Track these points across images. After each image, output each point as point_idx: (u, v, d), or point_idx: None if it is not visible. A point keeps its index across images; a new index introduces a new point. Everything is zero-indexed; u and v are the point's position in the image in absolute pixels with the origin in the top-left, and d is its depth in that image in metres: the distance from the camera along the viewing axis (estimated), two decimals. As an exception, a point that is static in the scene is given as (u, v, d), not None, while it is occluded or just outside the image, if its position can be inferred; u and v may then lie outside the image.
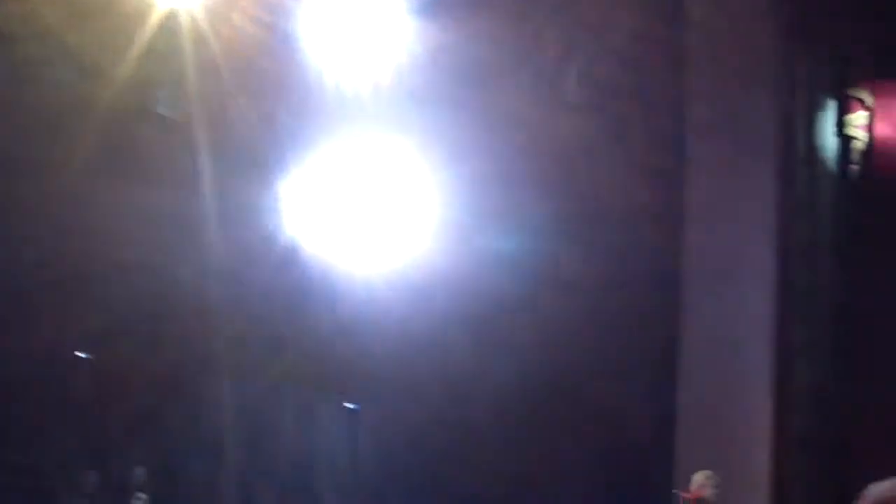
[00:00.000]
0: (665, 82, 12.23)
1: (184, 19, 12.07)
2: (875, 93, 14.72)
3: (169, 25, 12.14)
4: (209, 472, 13.67)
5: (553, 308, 11.22)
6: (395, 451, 12.35)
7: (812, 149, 13.65)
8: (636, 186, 11.60)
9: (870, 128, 14.71)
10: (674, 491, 11.56)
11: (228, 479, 13.65)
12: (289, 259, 12.47)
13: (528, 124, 11.14)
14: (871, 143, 14.74)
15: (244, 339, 13.18)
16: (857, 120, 14.54)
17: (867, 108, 14.67)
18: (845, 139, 14.31)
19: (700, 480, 11.34)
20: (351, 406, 13.22)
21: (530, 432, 11.16)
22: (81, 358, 13.01)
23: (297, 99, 11.96)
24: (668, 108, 12.25)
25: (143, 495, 11.95)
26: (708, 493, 11.31)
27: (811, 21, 13.28)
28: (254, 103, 12.45)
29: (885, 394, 14.35)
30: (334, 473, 13.17)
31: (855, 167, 14.50)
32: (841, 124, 14.21)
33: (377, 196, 12.80)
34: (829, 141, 13.95)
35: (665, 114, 12.14)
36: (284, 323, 12.47)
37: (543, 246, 11.06)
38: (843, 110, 14.25)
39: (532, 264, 11.06)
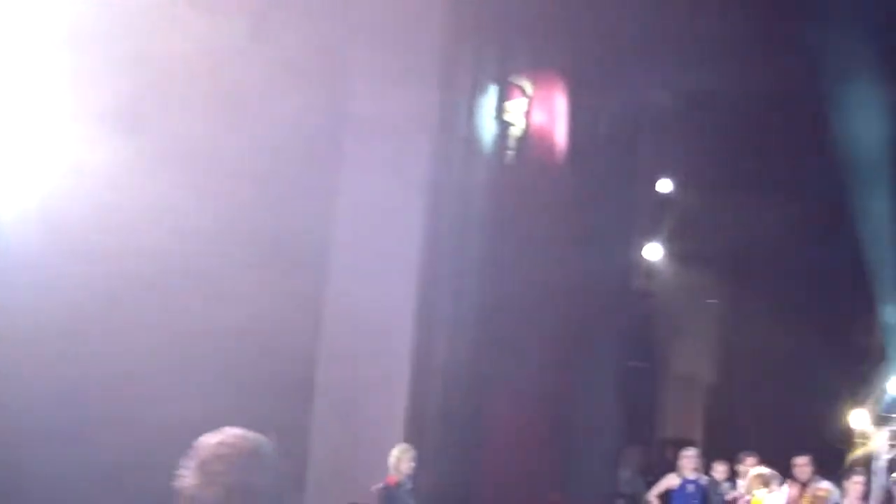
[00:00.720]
0: (328, 60, 12.12)
1: None
2: (534, 82, 15.25)
3: None
4: None
5: (188, 294, 10.89)
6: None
7: (471, 132, 13.93)
8: (287, 165, 11.46)
9: (527, 115, 15.24)
10: (372, 488, 11.52)
11: None
12: None
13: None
14: (528, 130, 15.28)
15: None
16: (516, 107, 15.00)
17: (526, 96, 15.18)
18: (504, 125, 14.73)
19: (396, 454, 11.33)
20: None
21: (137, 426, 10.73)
22: None
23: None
24: (330, 82, 12.16)
25: None
26: (405, 466, 11.30)
27: (477, 9, 13.55)
28: None
29: (521, 371, 14.98)
30: None
31: (511, 152, 14.96)
32: (501, 110, 14.60)
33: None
34: (488, 125, 14.28)
35: (327, 85, 12.04)
36: None
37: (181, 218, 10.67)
38: (504, 97, 14.65)
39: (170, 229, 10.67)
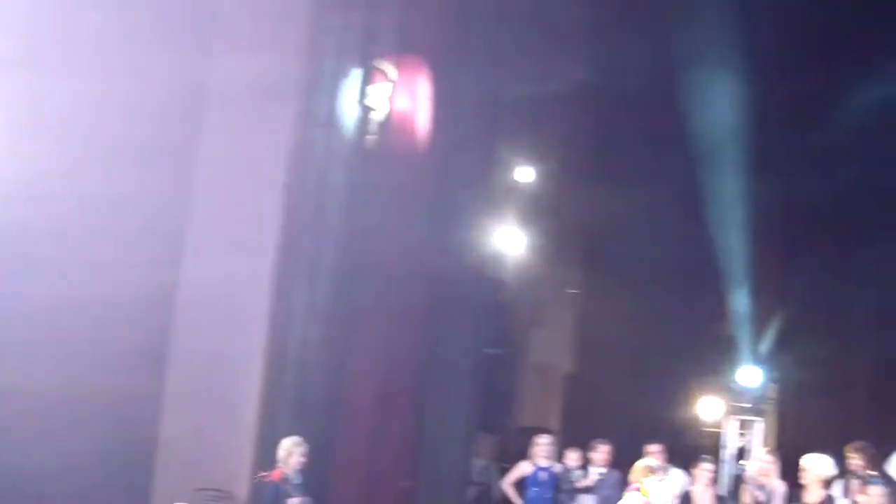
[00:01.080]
0: (189, 23, 11.84)
1: None
2: (398, 66, 15.13)
3: None
4: None
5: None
6: None
7: (332, 115, 13.76)
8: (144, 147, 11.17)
9: (390, 100, 15.12)
10: (256, 476, 11.23)
11: None
12: None
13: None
14: (390, 115, 15.16)
15: None
16: (379, 91, 14.86)
17: (389, 81, 15.04)
18: (366, 109, 14.59)
19: (287, 447, 11.08)
20: None
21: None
22: None
23: None
24: (191, 46, 11.88)
25: None
26: (295, 461, 11.04)
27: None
28: None
29: (375, 356, 14.93)
30: None
31: (373, 137, 14.82)
32: (363, 94, 14.45)
33: None
34: (350, 109, 14.12)
35: (187, 50, 11.76)
36: None
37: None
38: (367, 80, 14.50)
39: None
